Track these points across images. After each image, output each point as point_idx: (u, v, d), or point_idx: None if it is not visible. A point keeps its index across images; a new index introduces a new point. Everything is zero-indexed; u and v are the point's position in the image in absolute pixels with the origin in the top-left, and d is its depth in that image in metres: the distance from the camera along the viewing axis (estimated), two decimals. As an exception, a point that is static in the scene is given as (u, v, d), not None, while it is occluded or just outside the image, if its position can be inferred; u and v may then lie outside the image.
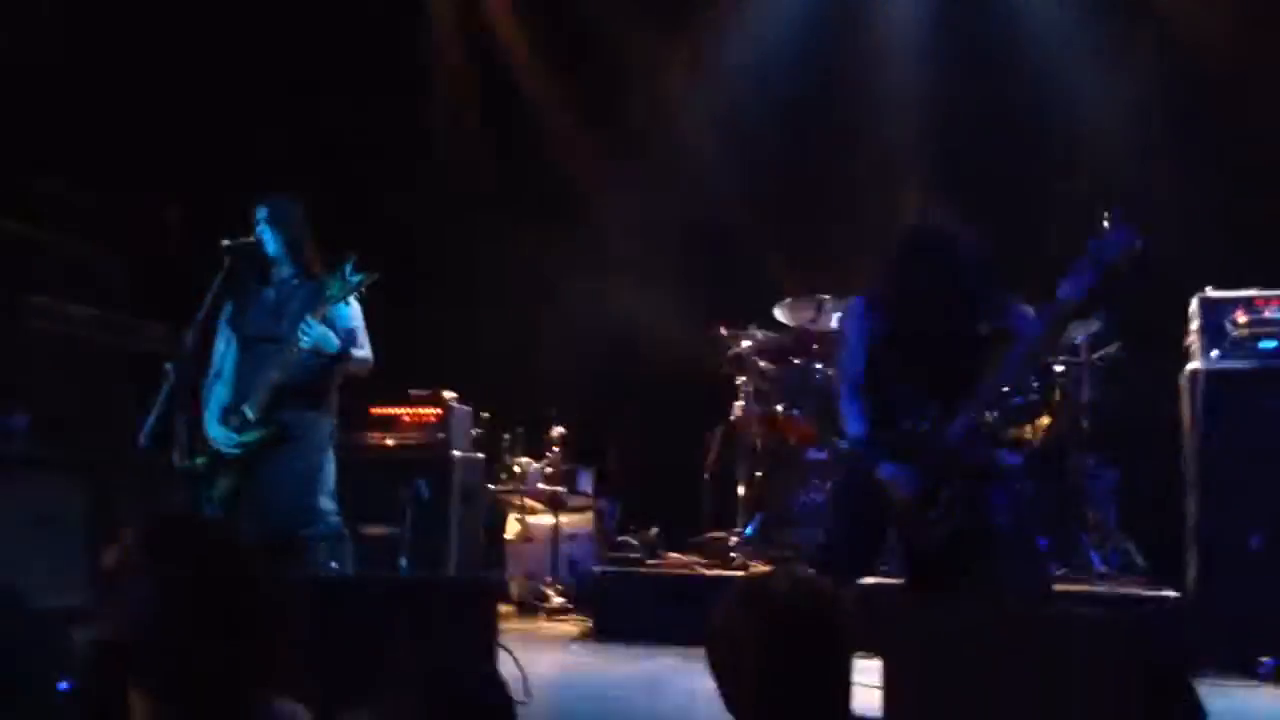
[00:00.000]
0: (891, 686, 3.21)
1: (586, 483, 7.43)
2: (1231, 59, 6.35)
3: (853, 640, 1.74)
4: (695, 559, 6.10)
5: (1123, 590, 5.29)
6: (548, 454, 7.22)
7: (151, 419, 3.83)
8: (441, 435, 6.34)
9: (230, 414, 4.29)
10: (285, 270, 4.43)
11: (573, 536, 7.03)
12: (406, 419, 6.44)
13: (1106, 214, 3.72)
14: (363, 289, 4.20)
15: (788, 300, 6.41)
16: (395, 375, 6.60)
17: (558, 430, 7.17)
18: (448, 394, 6.47)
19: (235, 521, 4.17)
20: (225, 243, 4.27)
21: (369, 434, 6.42)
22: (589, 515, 7.18)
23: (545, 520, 6.96)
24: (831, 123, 7.13)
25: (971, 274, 3.90)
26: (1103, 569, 5.64)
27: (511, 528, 7.10)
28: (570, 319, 7.30)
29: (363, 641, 3.25)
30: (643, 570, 5.97)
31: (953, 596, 3.90)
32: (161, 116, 6.68)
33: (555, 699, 4.24)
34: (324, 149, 7.28)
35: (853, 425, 4.09)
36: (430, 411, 6.42)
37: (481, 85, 7.97)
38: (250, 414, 4.22)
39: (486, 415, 7.31)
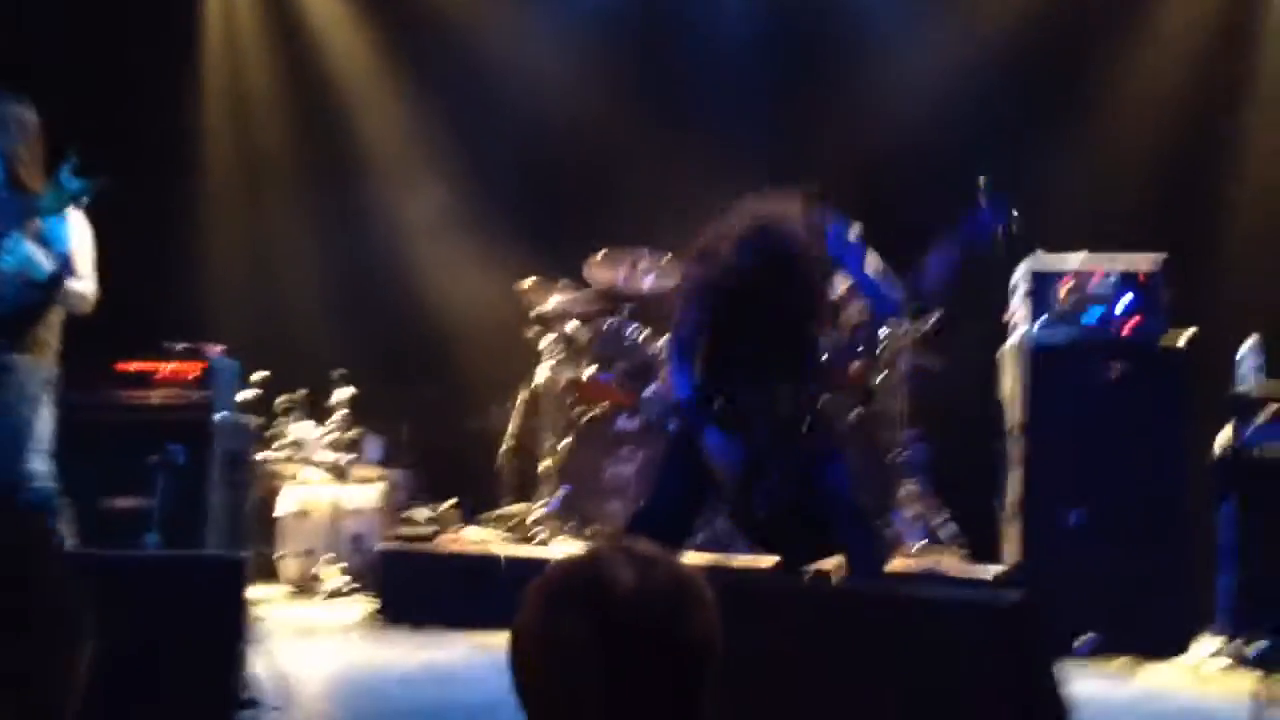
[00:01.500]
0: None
1: (375, 452, 6.73)
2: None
3: (719, 643, 1.24)
4: (492, 535, 5.55)
5: (943, 568, 5.08)
6: (332, 420, 6.49)
7: None
8: (202, 394, 5.51)
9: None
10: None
11: (359, 511, 6.33)
12: (161, 375, 5.58)
13: (979, 185, 3.44)
14: (84, 200, 3.44)
15: (600, 255, 5.90)
16: (152, 325, 5.78)
17: (343, 394, 6.45)
18: (211, 347, 5.65)
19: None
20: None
21: (116, 391, 5.53)
22: (378, 488, 6.50)
23: (326, 493, 6.25)
24: (656, 68, 6.66)
25: (814, 281, 3.68)
26: (917, 544, 5.42)
27: (287, 501, 6.34)
28: (360, 272, 6.59)
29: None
30: (432, 548, 5.37)
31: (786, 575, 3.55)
32: None
33: (329, 698, 3.62)
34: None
35: (680, 388, 3.74)
36: (189, 367, 5.58)
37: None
38: (-57, 355, 3.41)
39: (264, 375, 6.52)
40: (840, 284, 4.25)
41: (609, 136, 6.39)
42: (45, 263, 3.45)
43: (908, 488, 5.70)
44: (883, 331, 5.68)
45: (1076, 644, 4.59)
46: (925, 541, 5.45)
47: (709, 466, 3.61)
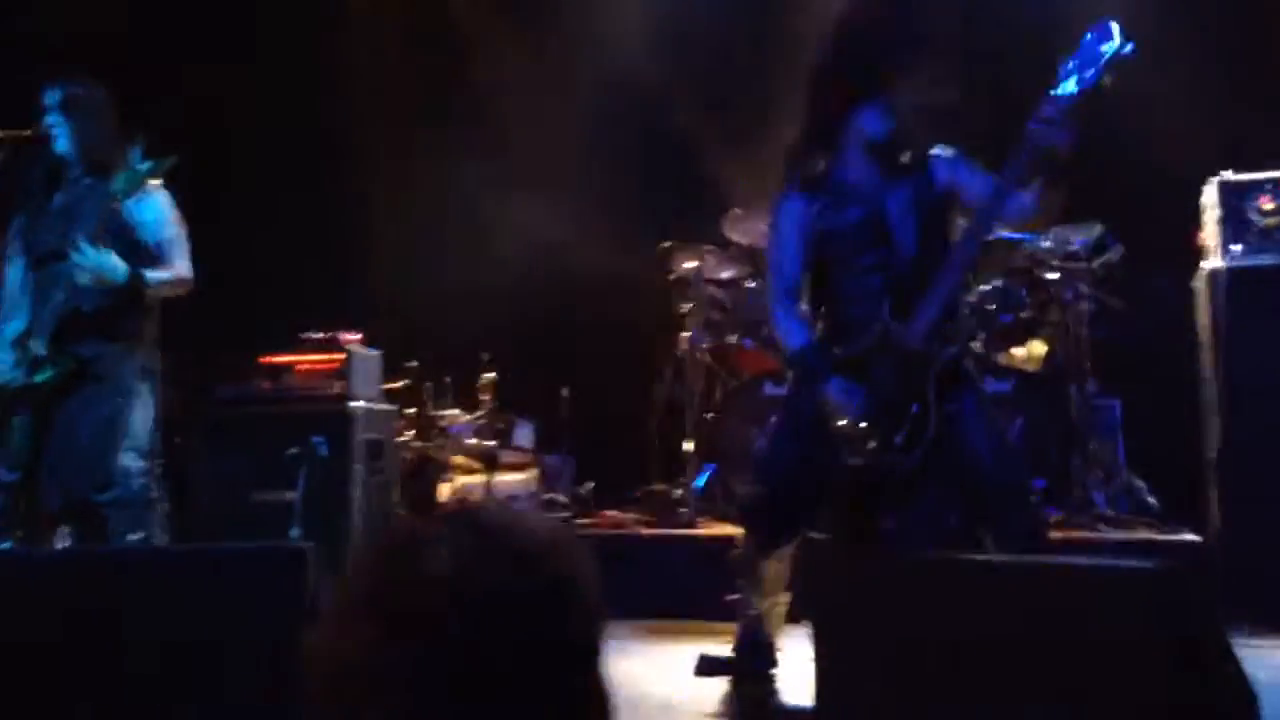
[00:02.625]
0: (824, 663, 2.43)
1: (525, 436, 6.57)
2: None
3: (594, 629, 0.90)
4: (635, 516, 5.27)
5: (1134, 535, 4.47)
6: (479, 405, 6.37)
7: None
8: (340, 385, 5.45)
9: (19, 348, 3.45)
10: (75, 170, 3.58)
11: (514, 498, 6.18)
12: (301, 367, 5.56)
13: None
14: (158, 178, 3.34)
15: (736, 212, 5.51)
16: (300, 314, 5.79)
17: (488, 377, 6.31)
18: (348, 336, 5.60)
19: (35, 480, 3.34)
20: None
21: (260, 384, 5.55)
22: (531, 473, 6.34)
23: (479, 482, 6.13)
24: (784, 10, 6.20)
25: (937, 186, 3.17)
26: (1109, 511, 4.80)
27: (443, 492, 6.27)
28: (496, 248, 6.42)
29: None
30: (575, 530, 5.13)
31: (910, 546, 3.10)
32: None
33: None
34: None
35: (792, 337, 3.30)
36: (329, 358, 5.53)
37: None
38: (38, 349, 3.38)
39: (414, 364, 6.47)
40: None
41: (744, 88, 5.99)
42: (119, 266, 3.38)
43: (1095, 446, 5.08)
44: (1054, 269, 5.10)
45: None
46: (1116, 509, 4.82)
47: (834, 424, 3.17)
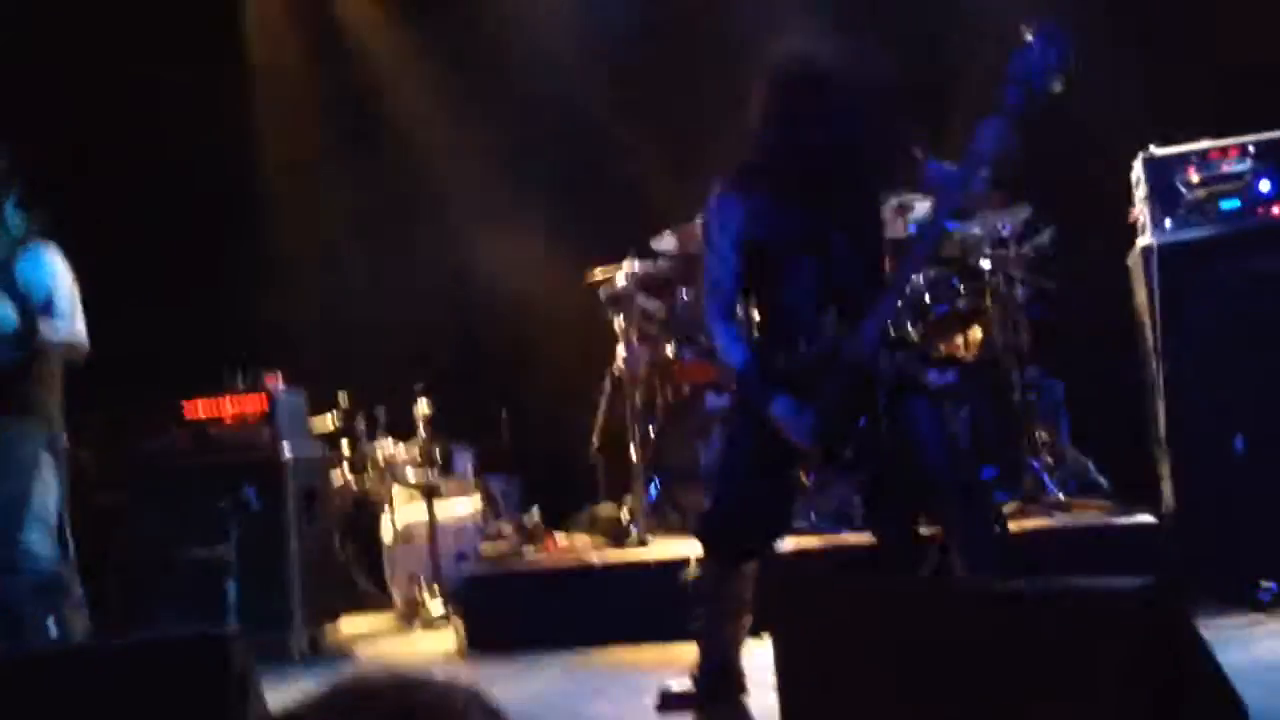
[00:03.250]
0: (788, 690, 2.31)
1: (464, 464, 6.39)
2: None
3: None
4: (584, 539, 5.13)
5: (1089, 521, 4.42)
6: (415, 435, 6.18)
7: None
8: (267, 430, 5.24)
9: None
10: None
11: (460, 530, 6.00)
12: (227, 415, 5.33)
13: (1027, 27, 2.79)
14: (34, 233, 3.13)
15: (669, 230, 5.40)
16: (220, 358, 5.55)
17: (422, 407, 6.12)
18: (269, 377, 5.37)
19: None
20: None
21: (185, 436, 5.31)
22: (474, 501, 6.17)
23: (423, 514, 5.93)
24: (709, 23, 6.08)
25: (865, 117, 2.95)
26: (1059, 495, 4.76)
27: (386, 528, 6.07)
28: (420, 274, 6.24)
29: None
30: (518, 565, 4.98)
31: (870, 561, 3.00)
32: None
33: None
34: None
35: (733, 356, 3.16)
36: (253, 402, 5.31)
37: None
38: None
39: (343, 396, 6.27)
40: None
41: (661, 103, 5.88)
42: (11, 314, 3.16)
43: (1040, 431, 5.04)
44: (985, 257, 5.05)
45: (1257, 593, 3.89)
46: (1066, 493, 4.78)
47: (784, 438, 3.06)
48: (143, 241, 6.08)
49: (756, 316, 3.48)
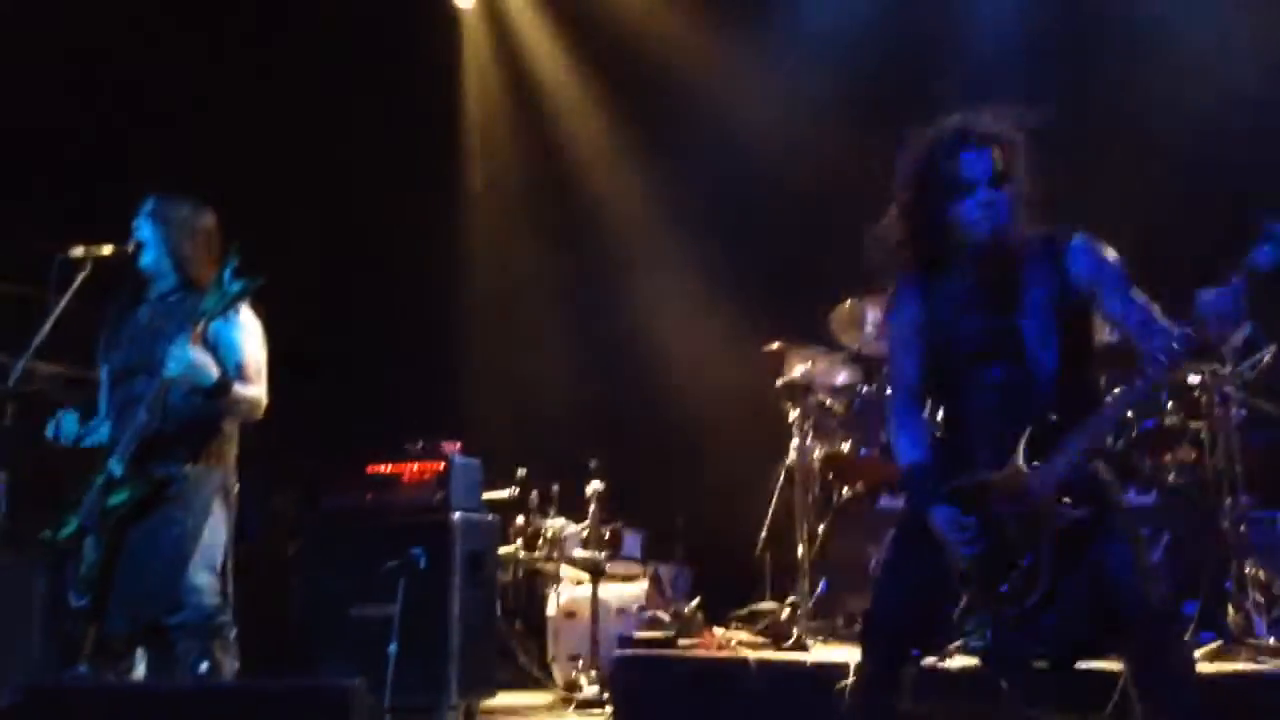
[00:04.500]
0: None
1: (634, 546, 6.36)
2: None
3: None
4: (741, 636, 4.96)
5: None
6: (587, 515, 6.19)
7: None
8: (440, 495, 5.35)
9: (98, 471, 3.43)
10: (165, 283, 3.59)
11: (624, 610, 5.95)
12: (406, 477, 5.49)
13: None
14: (245, 299, 3.33)
15: (844, 307, 5.25)
16: (394, 426, 5.75)
17: (595, 486, 6.13)
18: (449, 445, 5.51)
19: (104, 603, 3.28)
20: (72, 253, 3.44)
21: (364, 495, 5.49)
22: (641, 584, 6.11)
23: (587, 593, 5.91)
24: (904, 101, 5.99)
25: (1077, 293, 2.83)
26: (1270, 640, 4.28)
27: (553, 602, 6.08)
28: (604, 355, 6.31)
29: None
30: (671, 653, 4.85)
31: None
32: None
33: None
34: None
35: (904, 451, 2.99)
36: (430, 467, 5.45)
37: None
38: (116, 470, 3.34)
39: (521, 471, 6.37)
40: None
41: (853, 179, 5.78)
42: (211, 369, 3.35)
43: (1252, 567, 4.57)
44: (1198, 371, 4.67)
45: None
46: (1275, 636, 4.30)
47: (945, 551, 2.88)
48: (347, 310, 6.40)
49: (940, 419, 3.27)
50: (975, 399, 2.91)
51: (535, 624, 6.13)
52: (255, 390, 3.50)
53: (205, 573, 3.33)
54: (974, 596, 2.90)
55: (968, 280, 2.92)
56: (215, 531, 3.40)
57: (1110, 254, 2.92)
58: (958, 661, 3.90)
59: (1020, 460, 2.80)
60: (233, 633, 3.36)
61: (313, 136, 6.43)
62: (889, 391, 3.10)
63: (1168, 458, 4.98)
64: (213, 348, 3.40)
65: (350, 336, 6.15)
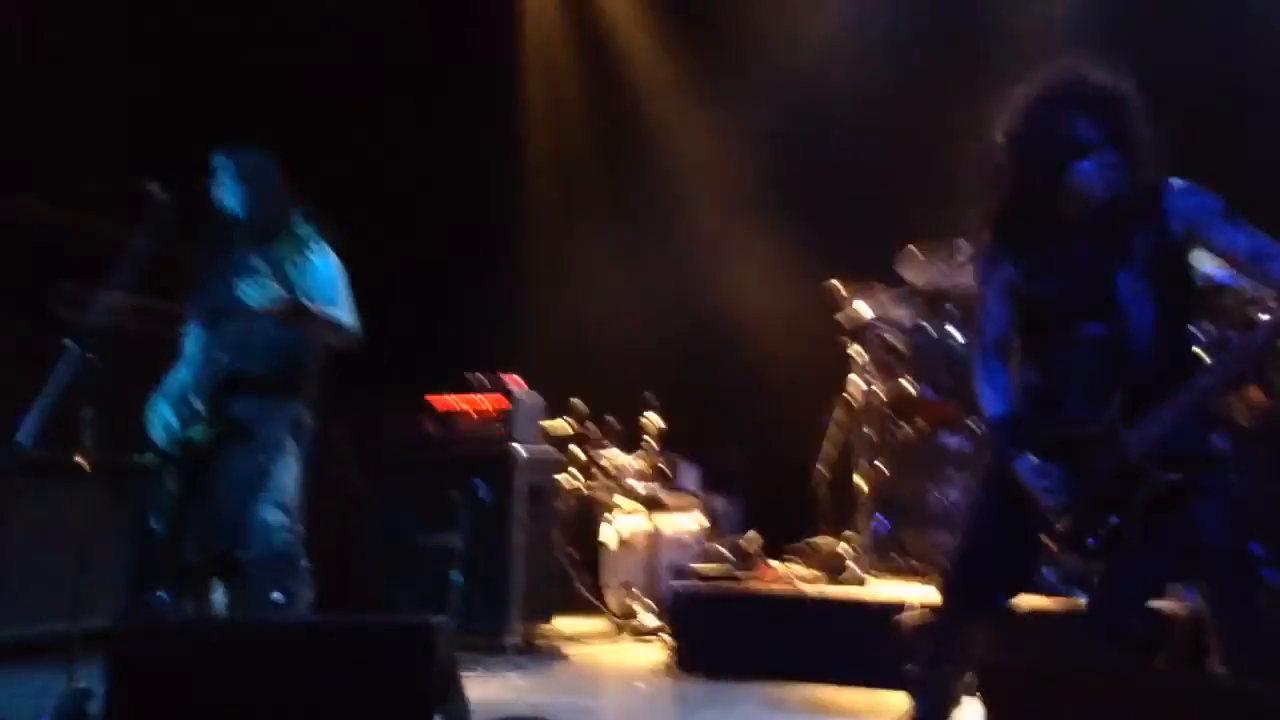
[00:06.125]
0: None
1: (689, 479, 6.40)
2: None
3: None
4: (799, 569, 5.01)
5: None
6: (642, 447, 6.24)
7: (35, 410, 3.02)
8: (502, 428, 5.42)
9: (181, 403, 3.51)
10: (243, 231, 3.66)
11: (679, 542, 6.02)
12: (467, 410, 5.56)
13: None
14: (318, 240, 3.39)
15: (913, 248, 5.19)
16: (455, 357, 5.81)
17: (653, 420, 6.17)
18: (512, 378, 5.56)
19: (181, 535, 3.38)
20: (159, 193, 3.48)
21: (426, 427, 5.57)
22: (696, 517, 6.17)
23: (645, 524, 5.99)
24: (968, 38, 5.86)
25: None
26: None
27: (608, 534, 6.17)
28: (664, 288, 6.29)
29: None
30: (730, 587, 4.92)
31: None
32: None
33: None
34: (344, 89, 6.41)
35: (990, 402, 2.97)
36: (493, 401, 5.51)
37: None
38: (196, 405, 3.43)
39: (578, 402, 6.41)
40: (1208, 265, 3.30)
41: (917, 114, 5.68)
42: (282, 293, 3.41)
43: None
44: (1264, 316, 4.58)
45: None
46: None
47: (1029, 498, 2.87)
48: (407, 245, 6.41)
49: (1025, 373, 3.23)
50: (1070, 354, 2.88)
51: (588, 553, 6.22)
52: (341, 312, 3.57)
53: (275, 510, 3.42)
54: (1060, 549, 2.90)
55: (1072, 240, 2.87)
56: (288, 467, 3.48)
57: (1210, 194, 2.85)
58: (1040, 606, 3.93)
59: (1116, 416, 2.78)
60: (305, 565, 3.45)
61: (371, 63, 6.41)
62: (975, 341, 3.06)
63: (1239, 400, 4.91)
64: (295, 291, 3.47)
65: (404, 267, 6.17)
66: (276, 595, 3.25)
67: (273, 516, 3.40)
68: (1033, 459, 2.83)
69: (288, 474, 3.47)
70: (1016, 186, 2.88)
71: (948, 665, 3.07)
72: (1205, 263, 4.63)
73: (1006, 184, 2.90)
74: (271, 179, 3.67)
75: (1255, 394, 4.99)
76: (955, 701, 3.09)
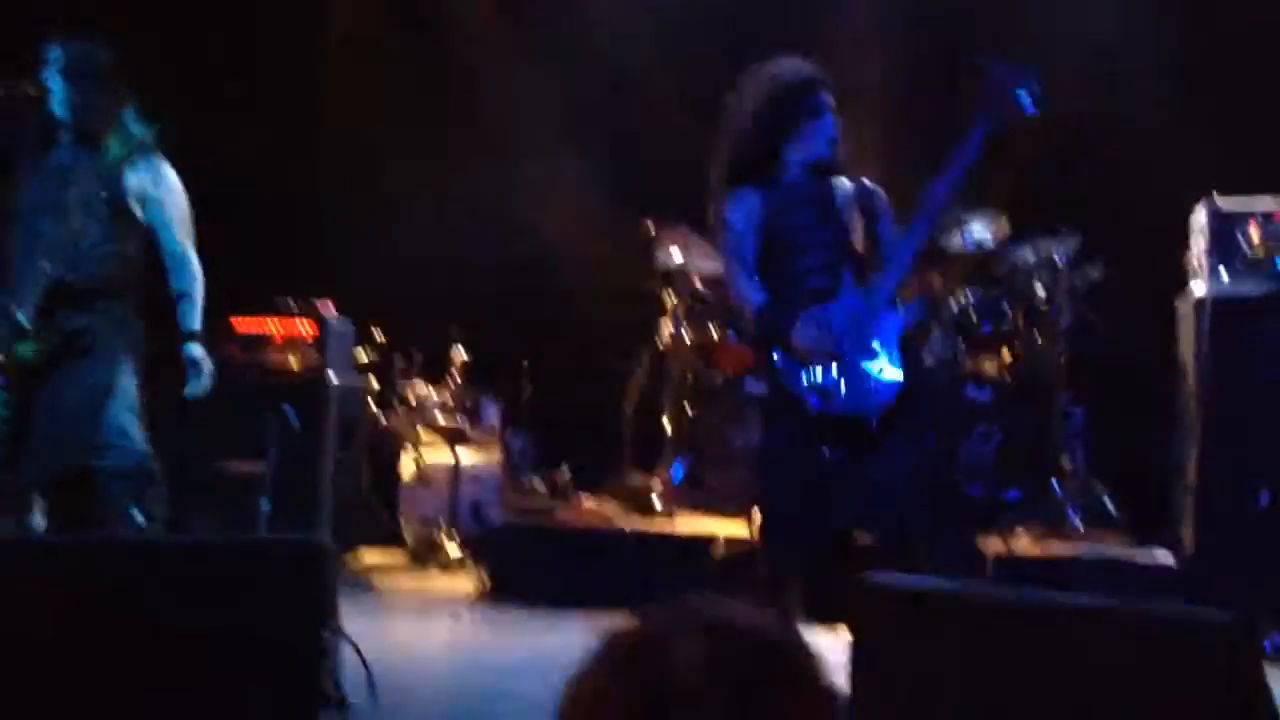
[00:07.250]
0: (858, 672, 2.40)
1: (492, 415, 6.48)
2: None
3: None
4: (611, 506, 5.24)
5: (1107, 553, 4.56)
6: (447, 381, 6.26)
7: None
8: (316, 356, 5.33)
9: (3, 317, 3.31)
10: (69, 133, 3.44)
11: (477, 478, 6.11)
12: (276, 335, 5.41)
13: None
14: (153, 145, 3.24)
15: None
16: (269, 277, 5.62)
17: (458, 353, 6.20)
18: (323, 304, 5.45)
19: (17, 454, 3.21)
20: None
21: (232, 351, 5.37)
22: (494, 453, 6.27)
23: (445, 459, 6.04)
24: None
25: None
26: (1078, 524, 4.90)
27: (407, 466, 6.18)
28: (472, 220, 6.28)
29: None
30: (548, 521, 5.10)
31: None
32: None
33: (420, 691, 3.37)
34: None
35: (754, 295, 3.28)
36: (305, 327, 5.39)
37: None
38: (22, 319, 3.23)
39: (379, 334, 6.33)
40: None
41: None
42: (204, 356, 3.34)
43: (1066, 457, 5.17)
44: (1040, 288, 5.15)
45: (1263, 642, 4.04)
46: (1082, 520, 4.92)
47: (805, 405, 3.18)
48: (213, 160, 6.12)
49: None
50: (807, 258, 3.30)
51: (387, 485, 6.21)
52: (195, 271, 3.44)
53: (128, 414, 3.29)
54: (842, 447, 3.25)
55: (801, 185, 3.32)
56: (129, 378, 3.35)
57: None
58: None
59: (850, 281, 3.25)
60: (160, 481, 3.35)
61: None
62: (728, 271, 3.40)
63: (992, 360, 5.49)
64: (124, 195, 3.30)
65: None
66: (136, 514, 3.14)
67: (130, 424, 3.27)
68: (806, 315, 3.17)
69: (133, 385, 3.34)
70: (759, 143, 3.34)
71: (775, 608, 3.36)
72: (977, 230, 5.24)
73: (751, 141, 3.34)
74: (103, 77, 3.45)
75: (1006, 355, 5.60)
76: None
